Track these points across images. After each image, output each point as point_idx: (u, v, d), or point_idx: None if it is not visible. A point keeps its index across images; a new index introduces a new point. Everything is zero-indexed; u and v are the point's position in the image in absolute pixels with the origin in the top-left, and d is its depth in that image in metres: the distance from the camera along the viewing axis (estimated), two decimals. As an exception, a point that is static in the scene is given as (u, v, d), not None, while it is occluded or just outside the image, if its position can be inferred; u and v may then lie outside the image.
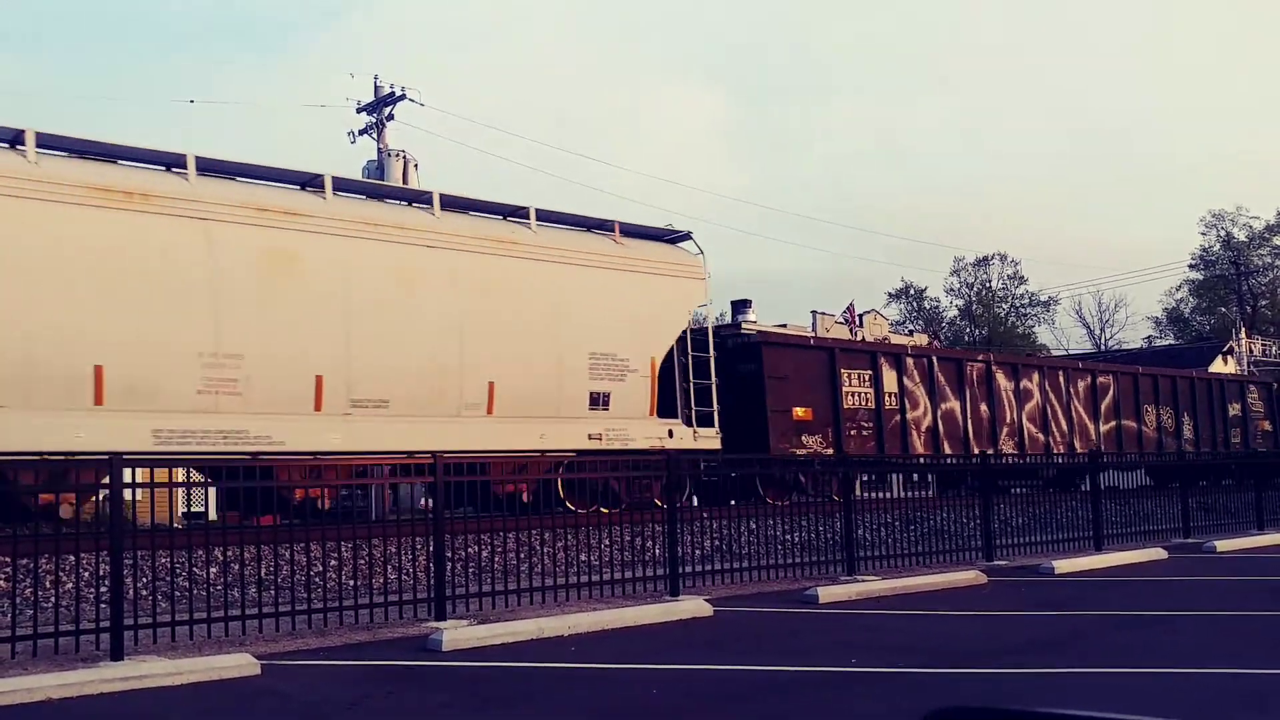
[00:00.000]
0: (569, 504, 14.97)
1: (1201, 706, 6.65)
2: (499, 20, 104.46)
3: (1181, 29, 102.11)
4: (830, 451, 19.11)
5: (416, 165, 28.70)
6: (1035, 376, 24.64)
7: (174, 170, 13.56)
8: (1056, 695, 6.95)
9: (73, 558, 10.12)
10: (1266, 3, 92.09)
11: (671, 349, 17.53)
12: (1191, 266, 68.28)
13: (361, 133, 29.61)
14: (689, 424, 17.37)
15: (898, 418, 20.98)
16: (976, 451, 20.52)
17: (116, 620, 7.99)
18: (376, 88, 29.49)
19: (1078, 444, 24.82)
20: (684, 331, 17.78)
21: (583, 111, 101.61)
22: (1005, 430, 23.36)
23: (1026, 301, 71.75)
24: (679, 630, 9.75)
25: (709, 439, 17.40)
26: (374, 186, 15.63)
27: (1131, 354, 52.95)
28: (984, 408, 22.91)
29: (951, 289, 72.82)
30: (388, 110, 29.48)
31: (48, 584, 8.70)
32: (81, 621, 8.56)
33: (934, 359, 22.52)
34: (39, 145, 12.48)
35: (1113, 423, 26.33)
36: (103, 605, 8.33)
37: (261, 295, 13.52)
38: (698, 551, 12.63)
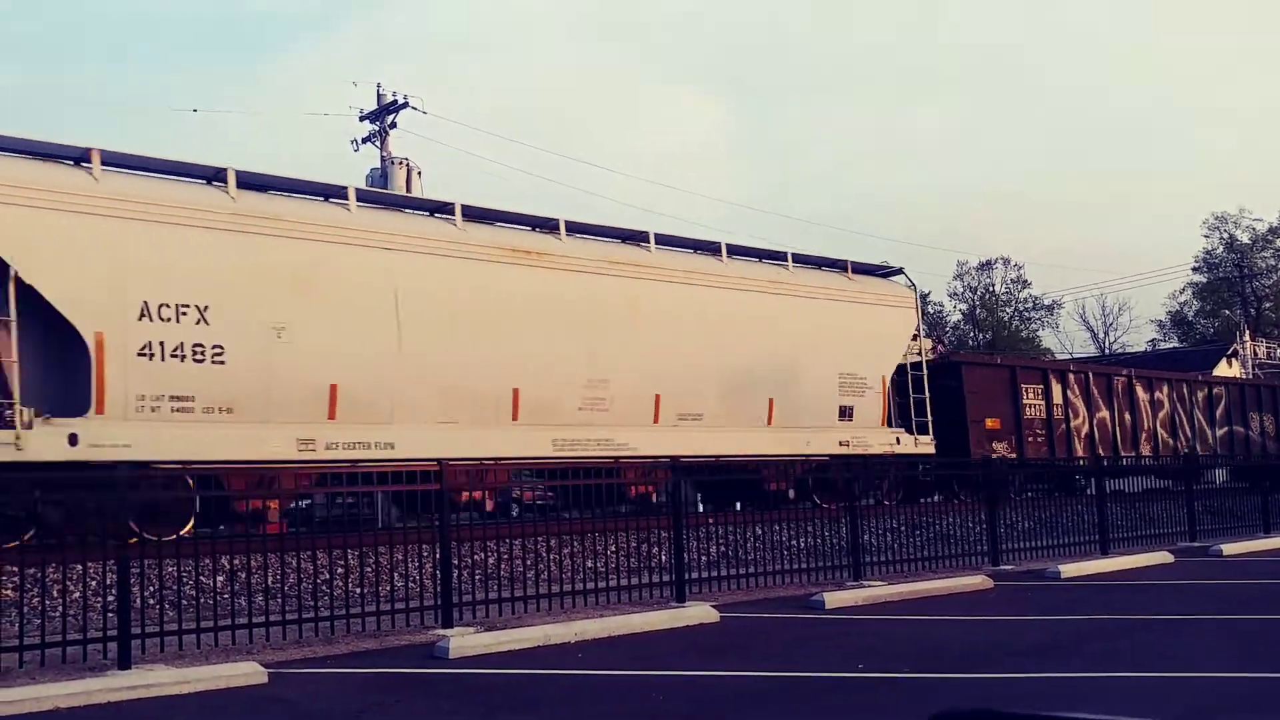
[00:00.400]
0: (818, 499, 17.63)
1: (1206, 711, 6.65)
2: (498, 26, 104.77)
3: (1183, 30, 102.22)
4: (1014, 455, 22.02)
5: (420, 173, 28.77)
6: (1165, 388, 27.77)
7: (541, 230, 16.91)
8: (1062, 699, 6.95)
9: (80, 567, 10.16)
10: (1269, 3, 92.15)
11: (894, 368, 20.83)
12: (1195, 269, 68.19)
13: (365, 140, 29.68)
14: (910, 432, 20.47)
15: (1063, 426, 24.00)
16: (1125, 454, 24.48)
17: (124, 629, 8.00)
18: (379, 95, 29.56)
19: (1199, 447, 27.70)
20: (905, 352, 20.95)
21: (582, 115, 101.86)
22: (1144, 435, 26.43)
23: (1030, 305, 71.67)
24: (686, 636, 9.75)
25: (926, 445, 20.50)
26: (678, 239, 19.10)
27: (1136, 357, 52.88)
28: (1127, 416, 26.08)
29: (955, 293, 72.78)
30: (390, 118, 29.54)
31: (55, 593, 8.72)
32: (89, 631, 8.58)
33: (1089, 374, 25.71)
34: (467, 217, 15.94)
35: (1225, 428, 29.26)
36: (110, 614, 8.34)
37: (619, 332, 16.92)
38: (704, 558, 12.63)
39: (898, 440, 20.26)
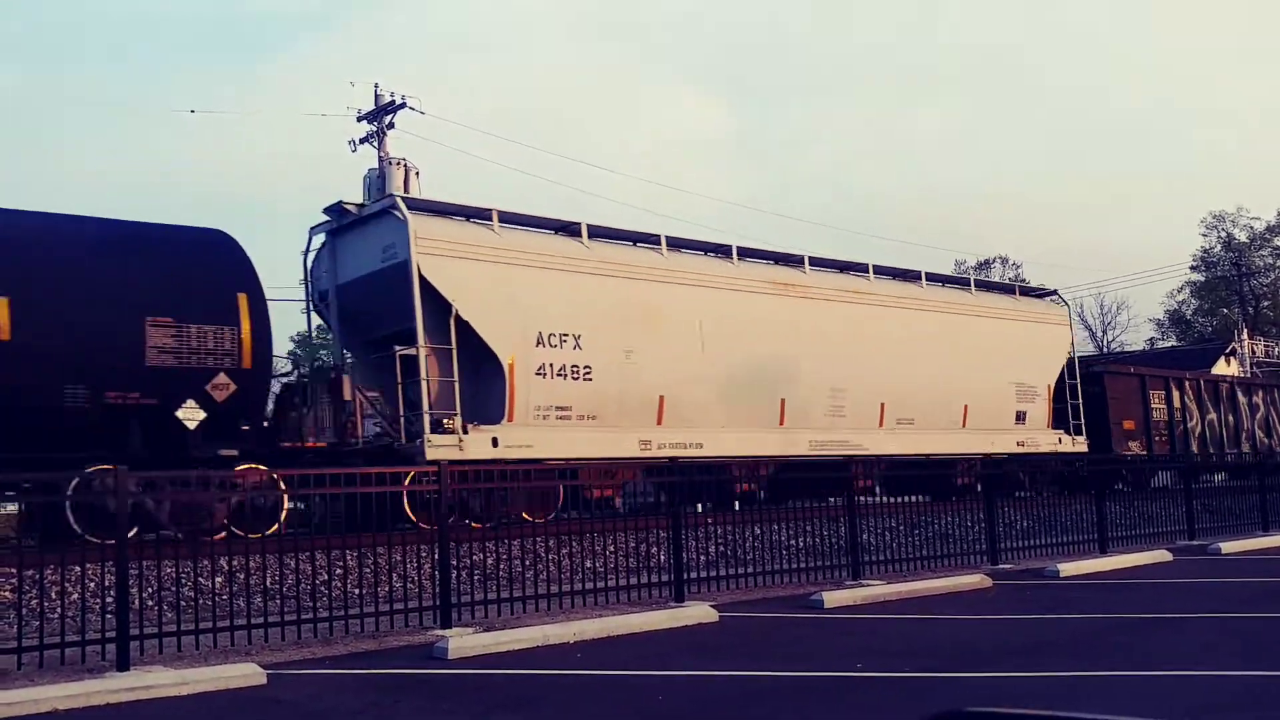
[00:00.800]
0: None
1: (1204, 708, 6.64)
2: (498, 26, 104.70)
3: (1181, 29, 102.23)
4: (1145, 452, 25.40)
5: (418, 174, 28.69)
6: (1260, 393, 31.60)
7: (787, 265, 20.16)
8: (1061, 698, 6.94)
9: (78, 568, 10.14)
10: (1267, 3, 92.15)
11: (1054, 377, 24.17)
12: (1193, 268, 68.22)
13: (362, 141, 29.60)
14: (1069, 433, 23.75)
15: (1181, 426, 27.42)
16: (1229, 451, 28.08)
17: (122, 631, 7.99)
18: (377, 96, 29.45)
19: None
20: (1064, 363, 24.23)
21: (582, 115, 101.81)
22: (1244, 435, 29.75)
23: (1028, 304, 71.55)
24: (684, 636, 9.75)
25: (1080, 444, 23.83)
26: (888, 268, 22.30)
27: (1135, 356, 52.87)
28: (1230, 418, 29.49)
29: (954, 292, 72.60)
30: (388, 119, 29.46)
31: (54, 595, 8.71)
32: (87, 632, 8.56)
33: (1201, 381, 29.35)
34: (740, 256, 19.35)
35: None
36: (108, 616, 8.33)
37: (851, 349, 19.97)
38: (703, 557, 12.63)
39: (1060, 440, 23.59)
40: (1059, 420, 23.92)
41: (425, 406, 14.95)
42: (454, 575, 10.11)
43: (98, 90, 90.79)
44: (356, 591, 10.09)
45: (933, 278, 22.89)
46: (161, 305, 13.16)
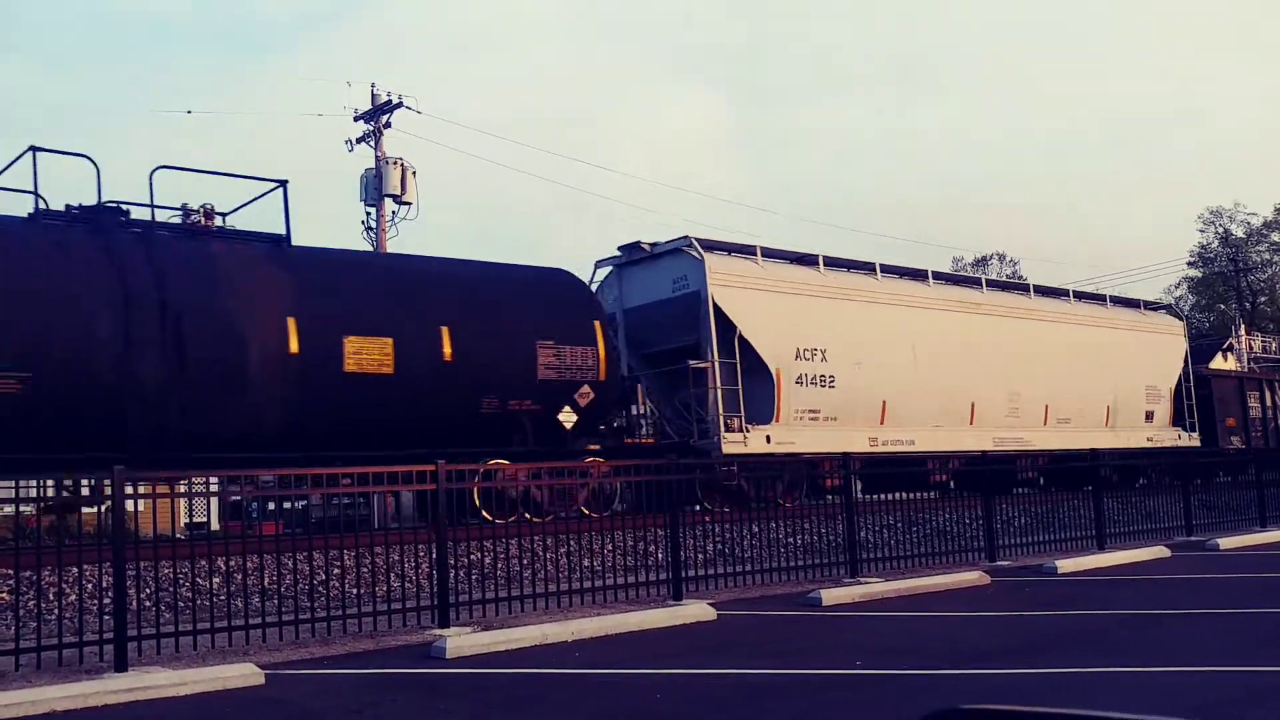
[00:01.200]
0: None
1: (1205, 705, 6.64)
2: (497, 26, 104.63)
3: (1178, 26, 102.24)
4: (1244, 446, 28.21)
5: (415, 173, 28.76)
6: None
7: (966, 285, 23.99)
8: (1060, 695, 6.94)
9: (75, 569, 10.13)
10: (1266, 2, 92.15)
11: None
12: (1190, 264, 68.22)
13: (359, 140, 29.61)
14: (1184, 430, 27.22)
15: (1274, 424, 30.81)
16: None
17: (120, 631, 7.98)
18: (374, 95, 29.47)
19: None
20: (1181, 369, 27.58)
21: (581, 114, 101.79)
22: None
23: (1025, 301, 71.51)
24: (683, 634, 9.74)
25: (1194, 439, 27.25)
26: (1042, 287, 25.85)
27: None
28: None
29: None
30: (385, 118, 29.45)
31: (51, 596, 8.70)
32: (85, 633, 8.56)
33: None
34: (933, 278, 22.71)
35: None
36: (106, 617, 8.31)
37: (1022, 357, 22.86)
38: (700, 556, 12.62)
39: (1179, 436, 26.92)
40: (1177, 419, 27.17)
41: (719, 410, 18.08)
42: (452, 575, 10.10)
43: (97, 90, 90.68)
44: (354, 591, 10.08)
45: (1078, 295, 26.47)
46: (546, 331, 16.43)
